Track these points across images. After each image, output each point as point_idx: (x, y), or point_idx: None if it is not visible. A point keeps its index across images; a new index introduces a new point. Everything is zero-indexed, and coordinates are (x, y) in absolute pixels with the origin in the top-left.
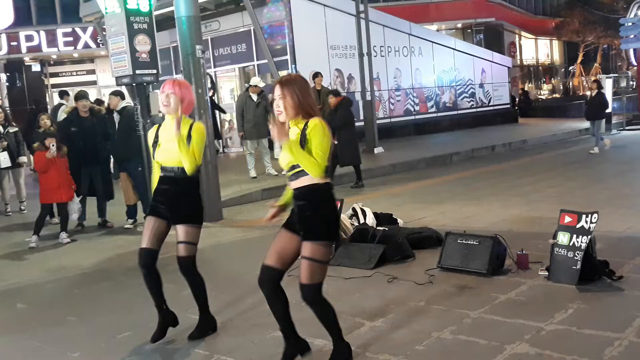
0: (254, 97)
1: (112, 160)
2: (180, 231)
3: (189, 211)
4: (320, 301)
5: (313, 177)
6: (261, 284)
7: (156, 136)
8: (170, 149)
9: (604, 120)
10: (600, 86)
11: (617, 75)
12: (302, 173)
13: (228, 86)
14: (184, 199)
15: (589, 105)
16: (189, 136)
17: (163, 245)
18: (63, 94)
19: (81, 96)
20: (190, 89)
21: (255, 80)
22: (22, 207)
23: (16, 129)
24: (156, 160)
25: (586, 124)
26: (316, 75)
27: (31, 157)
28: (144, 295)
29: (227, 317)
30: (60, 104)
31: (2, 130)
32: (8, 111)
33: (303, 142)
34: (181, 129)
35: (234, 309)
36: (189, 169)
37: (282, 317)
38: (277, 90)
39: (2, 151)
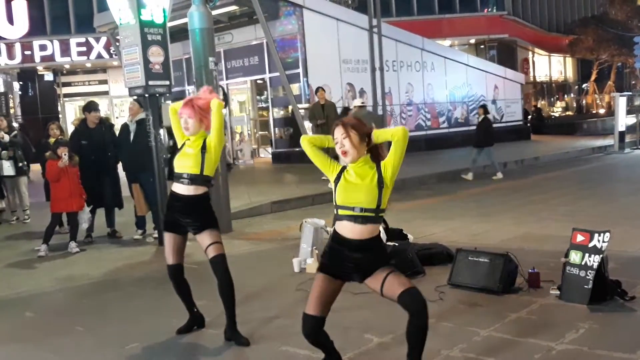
0: None
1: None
2: (205, 236)
3: (208, 217)
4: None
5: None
6: (306, 335)
7: (182, 146)
8: (187, 154)
9: (492, 148)
10: (486, 111)
11: (630, 93)
12: (371, 219)
13: (240, 98)
14: (198, 207)
15: (476, 131)
16: (204, 148)
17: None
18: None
19: (93, 108)
20: (206, 105)
21: (358, 102)
22: (26, 217)
23: (16, 133)
24: (175, 165)
25: (599, 142)
26: (317, 90)
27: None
28: (152, 306)
29: None
30: None
31: (7, 139)
32: (20, 120)
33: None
34: (198, 140)
35: (243, 322)
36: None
37: (325, 346)
38: (340, 131)
39: (8, 159)
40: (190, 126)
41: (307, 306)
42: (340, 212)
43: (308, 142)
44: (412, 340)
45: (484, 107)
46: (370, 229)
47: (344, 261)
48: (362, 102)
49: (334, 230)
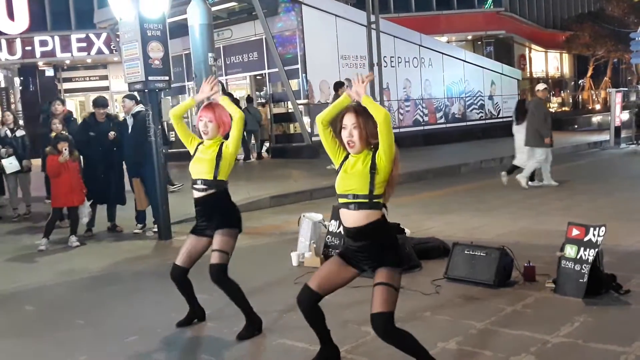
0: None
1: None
2: (216, 238)
3: (225, 218)
4: (395, 331)
5: (382, 117)
6: (298, 302)
7: (195, 150)
8: (201, 160)
9: None
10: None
11: (627, 89)
12: (363, 205)
13: (239, 94)
14: (215, 209)
15: None
16: (219, 155)
17: (168, 251)
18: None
19: (101, 104)
20: (225, 111)
21: (542, 86)
22: (27, 212)
23: (23, 133)
24: (190, 172)
25: (595, 138)
26: (341, 84)
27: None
28: (152, 299)
29: (234, 324)
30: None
31: (10, 135)
32: (21, 114)
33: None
34: (213, 146)
35: (240, 315)
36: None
37: (319, 328)
38: (352, 119)
39: (8, 157)
40: (210, 130)
41: (311, 278)
42: (339, 200)
43: (321, 123)
44: (402, 351)
45: None
46: (365, 215)
47: (353, 252)
48: (545, 87)
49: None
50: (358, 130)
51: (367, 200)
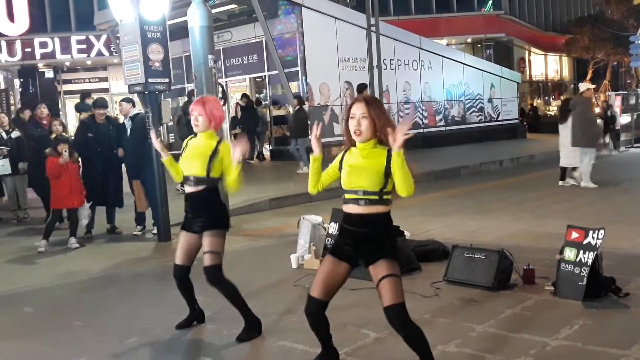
0: None
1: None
2: (206, 239)
3: (214, 217)
4: (412, 322)
5: (406, 194)
6: (307, 314)
7: (185, 146)
8: (194, 155)
9: (307, 139)
10: (301, 102)
11: (626, 92)
12: (374, 202)
13: (239, 96)
14: (204, 207)
15: (293, 122)
16: (215, 151)
17: (168, 253)
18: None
19: (101, 104)
20: (217, 105)
21: (587, 86)
22: (25, 215)
23: (19, 134)
24: (181, 169)
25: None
26: (362, 87)
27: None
28: (151, 301)
29: (233, 326)
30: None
31: (5, 136)
32: (20, 115)
33: (388, 171)
34: (207, 142)
35: (240, 317)
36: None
37: (324, 335)
38: (362, 109)
39: (3, 158)
40: (200, 123)
41: (311, 287)
42: (346, 196)
43: (314, 188)
44: (412, 347)
45: (299, 98)
46: (374, 209)
47: (351, 239)
48: (591, 87)
49: (343, 211)
50: (367, 120)
51: (377, 197)
